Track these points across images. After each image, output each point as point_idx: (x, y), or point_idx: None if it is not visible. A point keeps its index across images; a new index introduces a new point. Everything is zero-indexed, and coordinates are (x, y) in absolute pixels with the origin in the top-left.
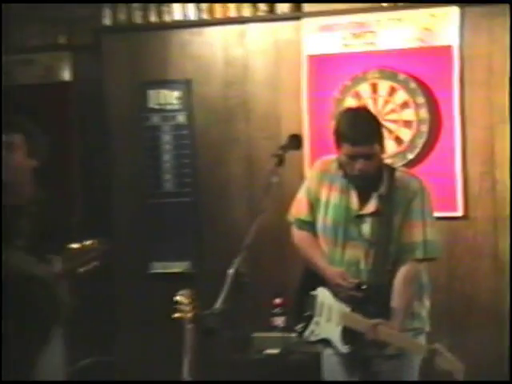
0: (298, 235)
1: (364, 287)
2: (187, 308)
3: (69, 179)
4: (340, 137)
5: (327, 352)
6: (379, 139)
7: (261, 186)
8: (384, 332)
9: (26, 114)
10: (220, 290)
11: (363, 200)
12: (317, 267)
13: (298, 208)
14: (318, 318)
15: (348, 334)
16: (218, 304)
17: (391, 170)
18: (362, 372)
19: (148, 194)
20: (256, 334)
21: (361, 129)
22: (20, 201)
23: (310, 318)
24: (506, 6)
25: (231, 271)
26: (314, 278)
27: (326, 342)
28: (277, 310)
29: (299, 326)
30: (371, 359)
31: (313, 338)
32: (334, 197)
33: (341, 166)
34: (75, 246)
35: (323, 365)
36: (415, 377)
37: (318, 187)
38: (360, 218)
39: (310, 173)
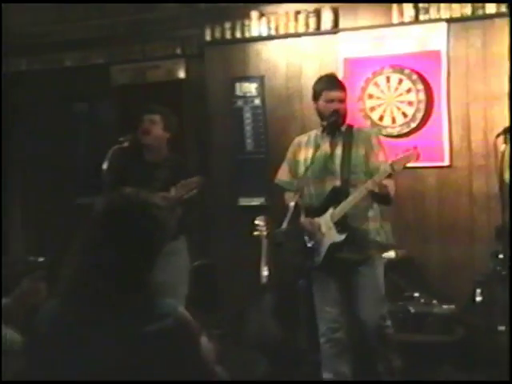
0: (285, 195)
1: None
2: (263, 228)
3: (188, 144)
4: (319, 90)
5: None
6: (345, 91)
7: None
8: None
9: (156, 101)
10: (285, 216)
11: (333, 146)
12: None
13: (281, 173)
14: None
15: (339, 225)
16: (284, 225)
17: (351, 126)
18: (338, 273)
19: (236, 152)
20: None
21: (335, 81)
22: (158, 159)
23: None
24: (481, 22)
25: (292, 204)
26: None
27: (333, 247)
28: None
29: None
30: (347, 265)
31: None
32: (312, 152)
33: (319, 113)
34: (184, 181)
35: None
36: (381, 280)
37: (294, 154)
38: (332, 157)
39: (289, 149)
